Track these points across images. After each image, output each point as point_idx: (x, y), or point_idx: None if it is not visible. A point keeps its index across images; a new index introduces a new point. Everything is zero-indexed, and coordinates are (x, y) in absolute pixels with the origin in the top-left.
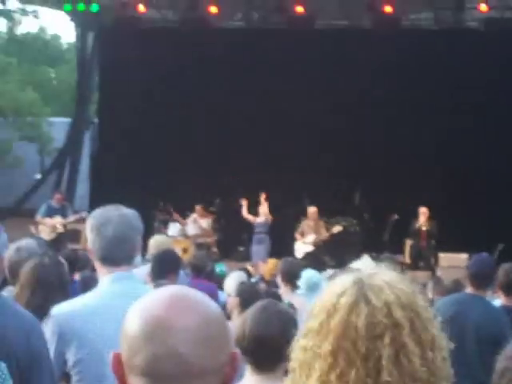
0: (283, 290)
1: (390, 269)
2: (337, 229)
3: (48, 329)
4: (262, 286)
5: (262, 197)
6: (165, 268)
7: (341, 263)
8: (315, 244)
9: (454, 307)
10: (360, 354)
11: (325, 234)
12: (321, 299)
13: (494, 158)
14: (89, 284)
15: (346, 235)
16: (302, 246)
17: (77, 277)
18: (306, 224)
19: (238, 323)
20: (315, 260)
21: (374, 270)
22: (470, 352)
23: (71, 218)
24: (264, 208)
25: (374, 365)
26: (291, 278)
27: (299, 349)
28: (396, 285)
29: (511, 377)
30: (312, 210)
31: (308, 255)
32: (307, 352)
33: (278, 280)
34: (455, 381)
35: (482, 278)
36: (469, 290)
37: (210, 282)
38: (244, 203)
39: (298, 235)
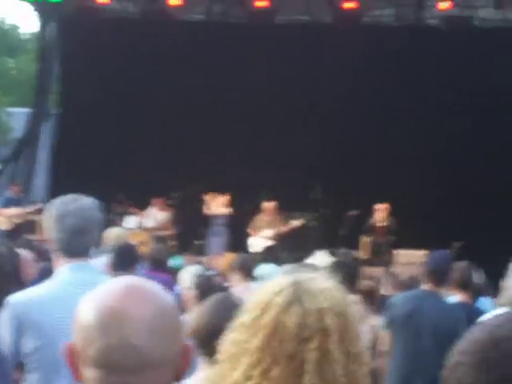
0: (236, 285)
1: (333, 276)
2: (295, 223)
3: (3, 317)
4: (218, 279)
5: (225, 196)
6: (125, 261)
7: (298, 258)
8: (274, 238)
9: (410, 303)
10: (286, 353)
11: (283, 228)
12: (256, 296)
13: (458, 153)
14: (46, 275)
15: (304, 230)
16: (260, 241)
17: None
18: (260, 219)
19: (194, 315)
20: (273, 254)
21: (315, 275)
22: (427, 348)
23: (28, 208)
24: (223, 200)
25: (297, 366)
26: (246, 273)
27: (229, 342)
28: (333, 293)
29: (462, 372)
30: (268, 204)
31: (267, 250)
32: (236, 346)
33: (232, 274)
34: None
35: (439, 275)
36: (425, 286)
37: (170, 274)
38: (207, 198)
39: (250, 230)
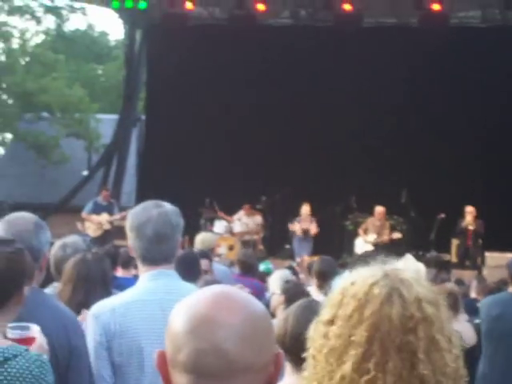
0: (314, 289)
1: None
2: (396, 235)
3: (89, 327)
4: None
5: (304, 207)
6: (184, 270)
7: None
8: (375, 244)
9: (498, 307)
10: (394, 344)
11: (385, 237)
12: (346, 288)
13: None
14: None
15: (401, 240)
16: (363, 245)
17: (119, 273)
18: (371, 222)
19: (279, 321)
20: (367, 260)
21: (396, 266)
22: None
23: (117, 215)
24: (306, 215)
25: (408, 357)
26: (325, 278)
27: (322, 336)
28: (422, 282)
29: None
30: (379, 209)
31: (365, 254)
32: (338, 339)
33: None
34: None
35: None
36: (511, 289)
37: (262, 281)
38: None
39: (360, 231)
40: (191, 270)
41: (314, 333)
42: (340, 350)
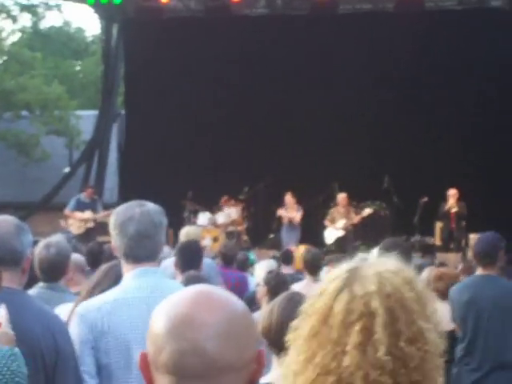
0: (306, 280)
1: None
2: (367, 212)
3: (75, 326)
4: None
5: (287, 196)
6: (188, 259)
7: (370, 247)
8: (345, 229)
9: (468, 292)
10: (332, 338)
11: (355, 218)
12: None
13: None
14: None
15: (375, 219)
16: (333, 232)
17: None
18: (336, 210)
19: (263, 314)
20: (345, 245)
21: (380, 260)
22: (493, 329)
23: (101, 213)
24: (291, 203)
25: (341, 350)
26: (314, 269)
27: (291, 328)
28: (387, 275)
29: None
30: (342, 196)
31: (338, 240)
32: (294, 333)
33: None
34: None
35: (485, 257)
36: (479, 271)
37: (242, 270)
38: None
39: (327, 222)
40: (194, 258)
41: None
42: (294, 343)
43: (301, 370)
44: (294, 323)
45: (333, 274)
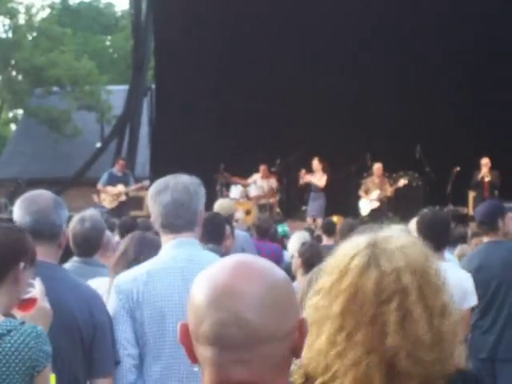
0: None
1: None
2: (402, 182)
3: (112, 297)
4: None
5: (314, 161)
6: (211, 232)
7: (404, 218)
8: (380, 200)
9: (476, 259)
10: (367, 317)
11: (390, 189)
12: (334, 258)
13: None
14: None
15: (408, 190)
16: (368, 203)
17: None
18: (371, 181)
19: (302, 285)
20: (379, 216)
21: (392, 234)
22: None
23: (133, 186)
24: (318, 169)
25: (380, 329)
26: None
27: (311, 307)
28: (409, 250)
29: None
30: (377, 166)
31: (373, 212)
32: (318, 311)
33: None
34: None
35: (486, 224)
36: (485, 238)
37: (274, 242)
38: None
39: (362, 193)
40: (217, 232)
41: (307, 302)
42: (319, 322)
43: (342, 350)
44: (315, 300)
45: (351, 249)
